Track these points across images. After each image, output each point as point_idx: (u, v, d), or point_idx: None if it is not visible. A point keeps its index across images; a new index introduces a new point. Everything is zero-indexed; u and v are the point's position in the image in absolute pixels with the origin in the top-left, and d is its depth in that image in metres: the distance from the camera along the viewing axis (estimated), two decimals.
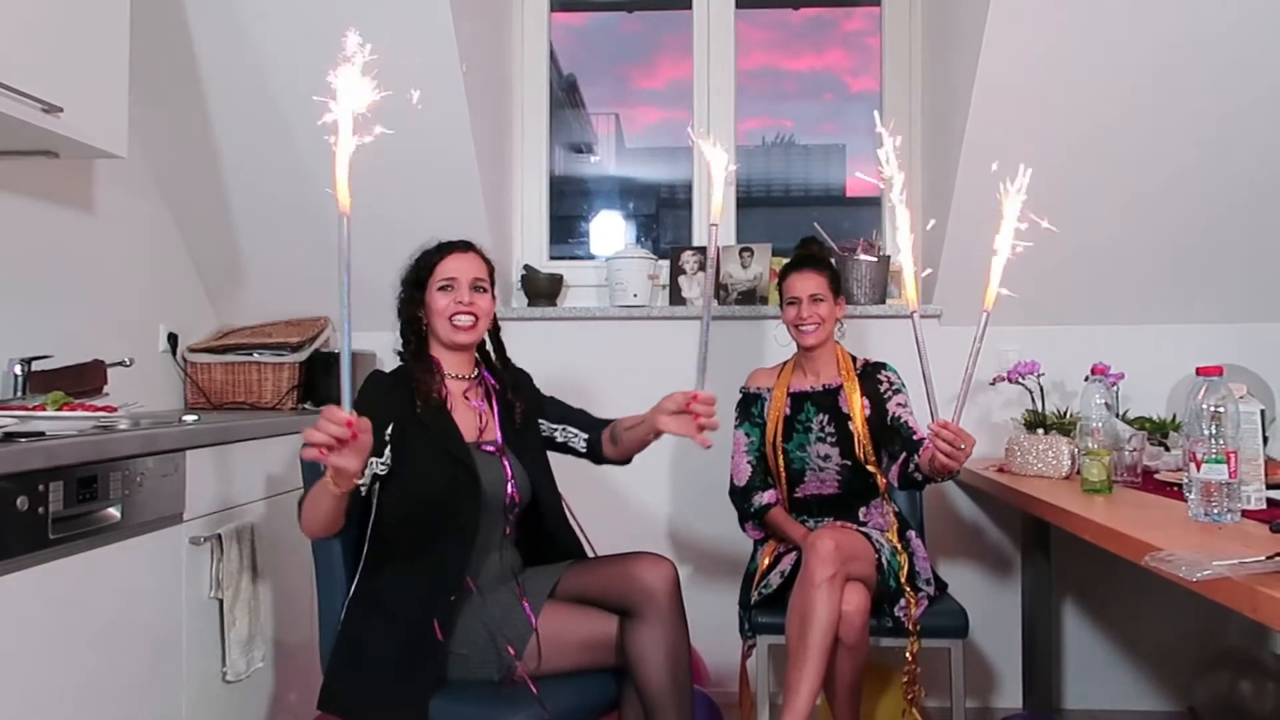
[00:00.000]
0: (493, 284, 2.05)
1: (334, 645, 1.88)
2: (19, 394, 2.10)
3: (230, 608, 2.04)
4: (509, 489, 1.95)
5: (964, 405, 1.82)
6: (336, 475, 1.58)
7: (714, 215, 1.63)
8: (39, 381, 2.14)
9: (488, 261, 2.06)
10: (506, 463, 1.98)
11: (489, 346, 2.13)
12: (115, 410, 1.93)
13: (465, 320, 1.97)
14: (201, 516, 1.98)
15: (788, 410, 2.50)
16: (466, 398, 2.02)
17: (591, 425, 2.11)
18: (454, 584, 1.85)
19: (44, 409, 1.86)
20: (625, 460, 2.08)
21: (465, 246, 2.05)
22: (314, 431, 1.47)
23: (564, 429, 2.12)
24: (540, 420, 2.12)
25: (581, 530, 2.09)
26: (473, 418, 2.00)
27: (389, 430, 1.86)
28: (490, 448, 1.98)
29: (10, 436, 1.59)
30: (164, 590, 1.87)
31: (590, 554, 2.08)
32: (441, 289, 1.98)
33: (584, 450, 2.10)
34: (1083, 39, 2.49)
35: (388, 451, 1.86)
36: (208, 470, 2.01)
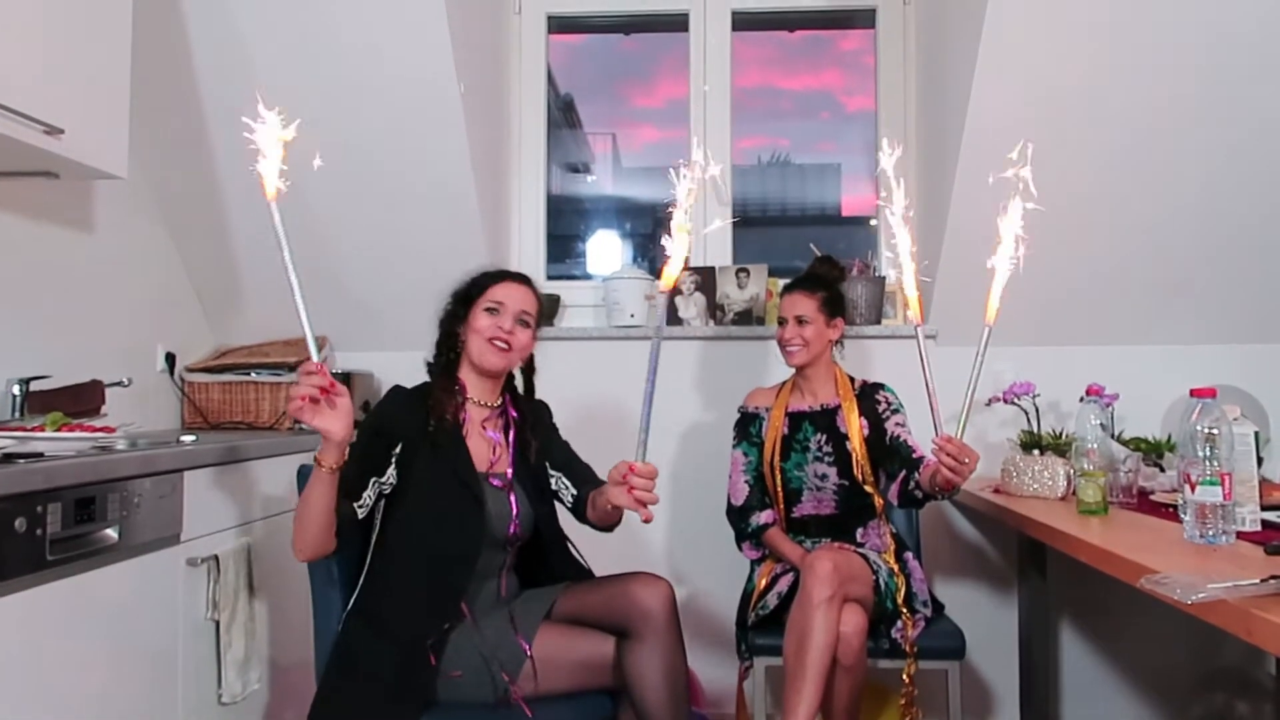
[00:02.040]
0: (538, 323, 2.06)
1: (329, 656, 1.88)
2: (17, 415, 2.10)
3: (227, 629, 2.03)
4: (512, 526, 1.95)
5: (967, 420, 1.84)
6: (324, 447, 1.61)
7: (663, 283, 1.57)
8: (37, 402, 2.15)
9: (539, 299, 2.08)
10: (513, 498, 1.97)
11: (518, 380, 2.13)
12: (113, 431, 1.93)
13: (500, 346, 1.97)
14: (199, 537, 1.98)
15: (785, 430, 2.50)
16: (484, 427, 2.02)
17: (585, 482, 2.06)
18: (452, 609, 1.85)
19: (42, 430, 1.86)
20: (605, 527, 2.02)
21: (521, 278, 2.06)
22: (297, 387, 1.55)
23: (560, 478, 2.08)
24: (545, 462, 2.09)
25: (583, 559, 2.09)
26: (486, 448, 2.00)
27: (397, 449, 1.87)
28: (498, 481, 1.97)
29: (9, 458, 1.59)
30: (160, 612, 1.87)
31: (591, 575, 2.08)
32: (488, 310, 1.98)
33: (570, 505, 2.07)
34: (1077, 61, 2.51)
35: (391, 470, 1.87)
36: (205, 491, 2.01)
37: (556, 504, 2.09)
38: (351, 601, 1.92)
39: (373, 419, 1.94)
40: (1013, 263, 1.75)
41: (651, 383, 1.54)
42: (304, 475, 1.97)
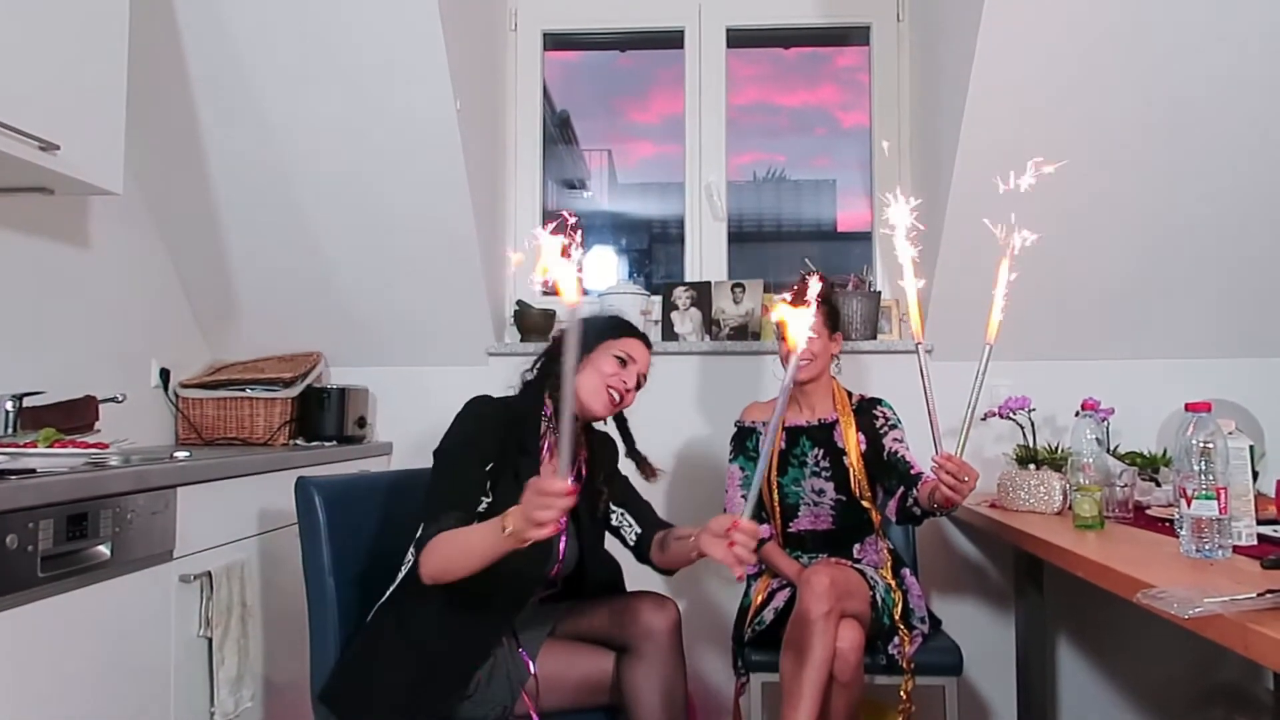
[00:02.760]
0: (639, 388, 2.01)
1: (350, 640, 1.84)
2: (10, 430, 2.09)
3: (219, 646, 2.02)
4: (555, 567, 1.92)
5: (967, 438, 1.84)
6: (528, 533, 1.47)
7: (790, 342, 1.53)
8: (30, 417, 2.14)
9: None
10: (564, 538, 1.91)
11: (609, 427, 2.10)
12: (107, 447, 1.93)
13: (614, 396, 1.93)
14: (192, 554, 1.97)
15: (783, 444, 2.50)
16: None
17: (649, 522, 2.02)
18: (493, 641, 1.81)
19: (35, 446, 1.85)
20: (668, 570, 2.00)
21: (650, 344, 2.04)
22: (543, 512, 1.40)
23: (623, 514, 2.04)
24: (603, 495, 2.05)
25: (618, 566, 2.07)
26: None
27: (489, 467, 1.81)
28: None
29: (1, 474, 1.58)
30: (153, 629, 1.85)
31: None
32: (618, 358, 1.94)
33: (632, 544, 2.02)
34: (1070, 77, 2.52)
35: (488, 488, 1.81)
36: (199, 507, 2.00)
37: (613, 538, 2.04)
38: (388, 595, 1.85)
39: (470, 431, 1.84)
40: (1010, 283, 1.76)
41: (769, 446, 1.55)
42: (304, 487, 1.95)
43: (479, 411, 1.88)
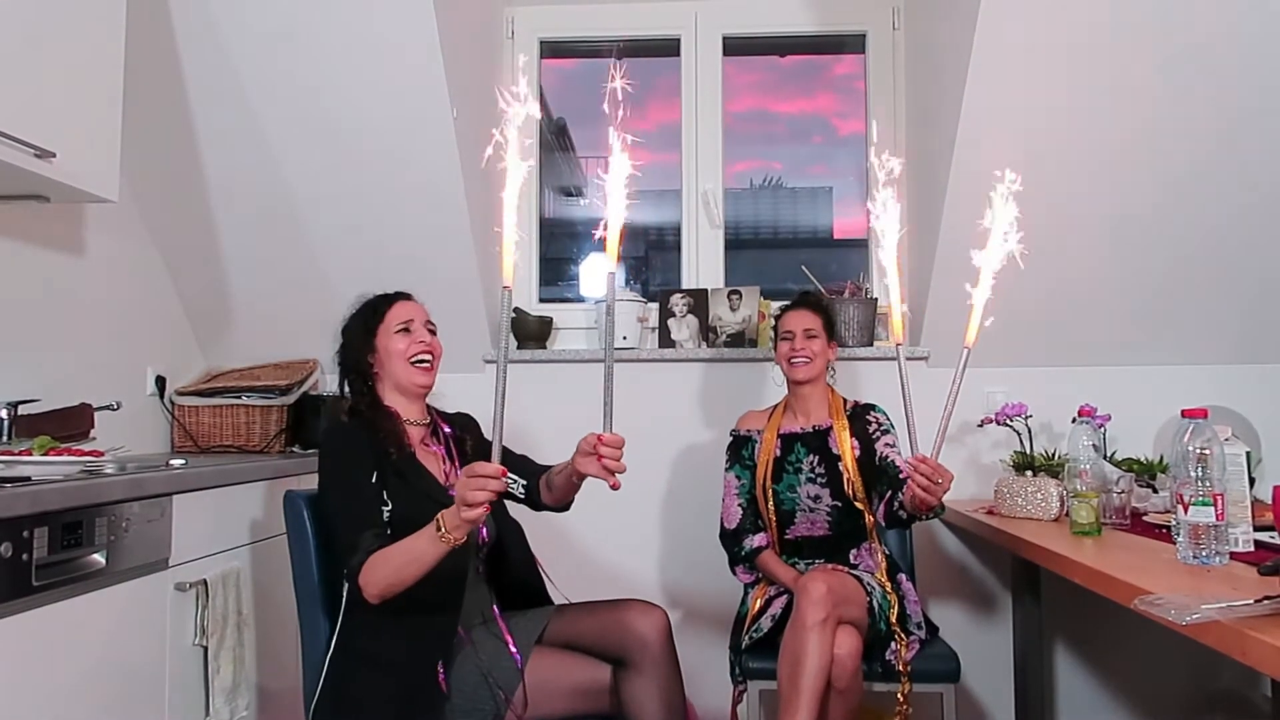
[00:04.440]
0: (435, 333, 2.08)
1: (317, 704, 1.85)
2: (5, 438, 2.08)
3: (215, 655, 2.01)
4: (482, 531, 1.96)
5: (944, 440, 1.87)
6: (465, 527, 1.58)
7: (610, 262, 1.62)
8: (25, 425, 2.13)
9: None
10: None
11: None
12: (102, 454, 1.92)
13: (425, 360, 2.00)
14: (187, 562, 1.96)
15: (778, 451, 2.50)
16: (425, 444, 2.03)
17: (530, 472, 2.08)
18: (450, 632, 1.84)
19: (30, 454, 1.85)
20: (563, 506, 2.04)
21: (408, 295, 2.10)
22: (477, 493, 1.50)
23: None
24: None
25: (546, 574, 2.10)
26: (438, 465, 2.01)
27: (374, 477, 1.86)
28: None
29: None
30: (148, 637, 1.84)
31: (558, 596, 2.08)
32: (400, 331, 2.00)
33: (522, 496, 2.07)
34: (1065, 84, 2.53)
35: (386, 497, 1.86)
36: (194, 515, 1.99)
37: (508, 499, 2.08)
38: (334, 639, 1.88)
39: (343, 456, 1.89)
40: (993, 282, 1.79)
41: (610, 356, 1.58)
42: (293, 501, 1.97)
43: (340, 434, 1.94)
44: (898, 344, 1.92)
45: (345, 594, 1.89)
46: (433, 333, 2.05)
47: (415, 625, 1.81)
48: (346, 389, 2.06)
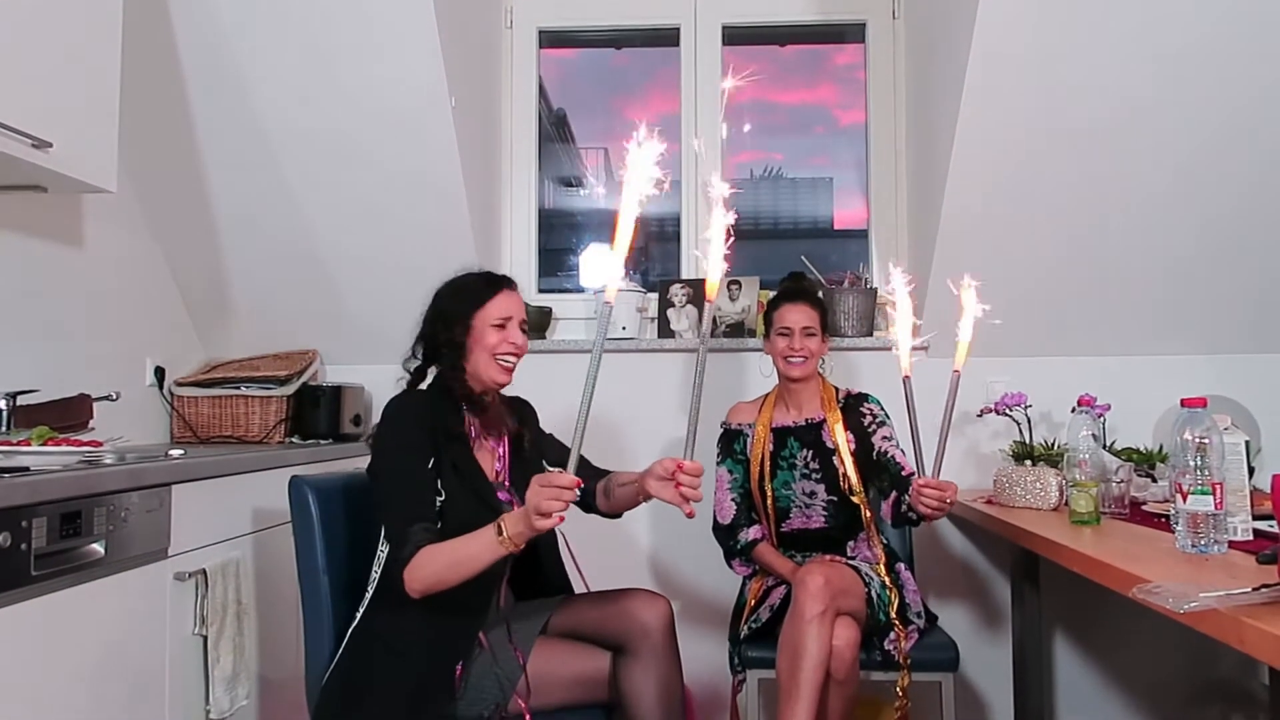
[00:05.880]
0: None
1: (326, 685, 1.83)
2: (4, 429, 2.09)
3: (214, 644, 2.01)
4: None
5: (944, 455, 1.92)
6: (526, 533, 1.57)
7: (709, 293, 1.62)
8: (24, 416, 2.13)
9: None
10: (516, 508, 1.91)
11: None
12: (101, 445, 1.92)
13: (509, 364, 1.94)
14: (186, 552, 1.96)
15: (770, 446, 2.49)
16: (484, 438, 1.98)
17: (587, 474, 2.01)
18: (474, 632, 1.82)
19: (29, 444, 1.85)
20: (615, 514, 2.03)
21: (513, 283, 2.01)
22: (553, 503, 1.50)
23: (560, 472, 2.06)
24: (541, 460, 2.05)
25: (578, 567, 2.07)
26: (490, 459, 1.97)
27: (431, 465, 1.82)
28: (504, 494, 1.94)
29: None
30: (148, 627, 1.85)
31: (583, 590, 2.06)
32: (496, 326, 1.92)
33: (576, 499, 2.05)
34: (1065, 75, 2.52)
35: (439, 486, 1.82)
36: (193, 505, 1.99)
37: None
38: (354, 626, 1.86)
39: (403, 433, 1.85)
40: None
41: (698, 386, 1.55)
42: (298, 487, 1.95)
43: (403, 412, 1.88)
44: (905, 376, 1.92)
45: (378, 576, 1.85)
46: (524, 331, 1.98)
47: (442, 621, 1.77)
48: (420, 356, 1.99)
